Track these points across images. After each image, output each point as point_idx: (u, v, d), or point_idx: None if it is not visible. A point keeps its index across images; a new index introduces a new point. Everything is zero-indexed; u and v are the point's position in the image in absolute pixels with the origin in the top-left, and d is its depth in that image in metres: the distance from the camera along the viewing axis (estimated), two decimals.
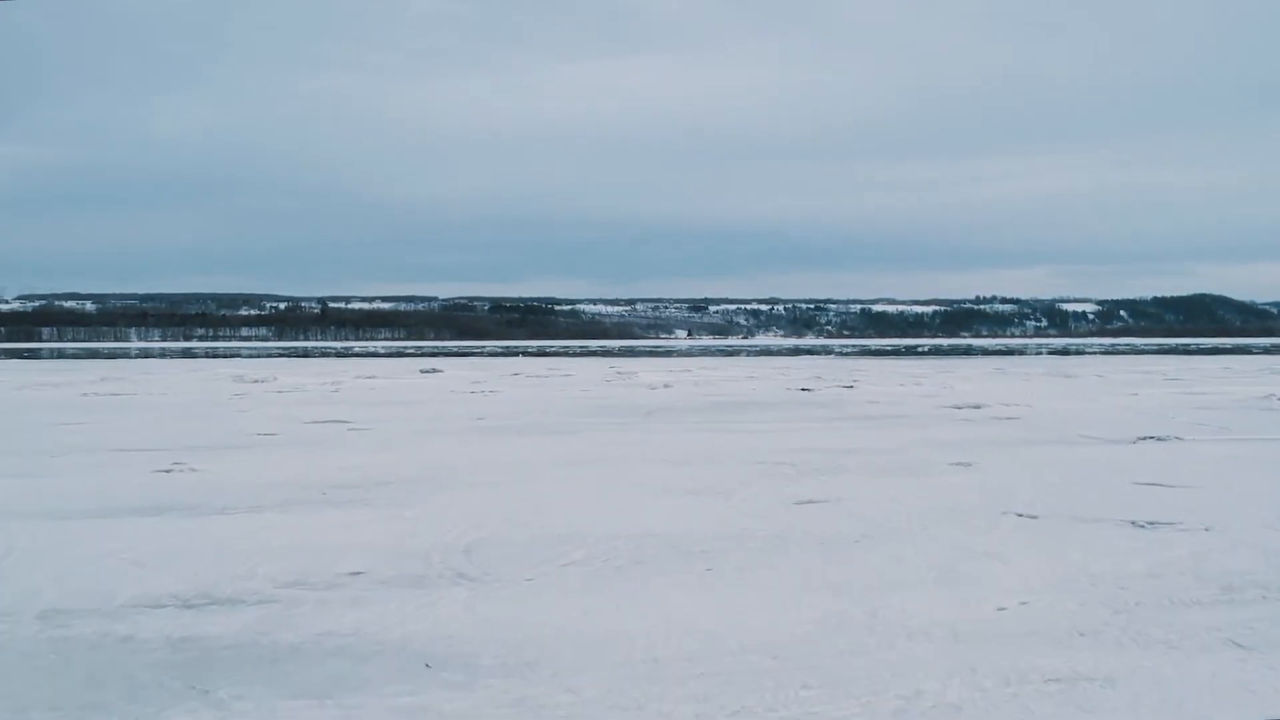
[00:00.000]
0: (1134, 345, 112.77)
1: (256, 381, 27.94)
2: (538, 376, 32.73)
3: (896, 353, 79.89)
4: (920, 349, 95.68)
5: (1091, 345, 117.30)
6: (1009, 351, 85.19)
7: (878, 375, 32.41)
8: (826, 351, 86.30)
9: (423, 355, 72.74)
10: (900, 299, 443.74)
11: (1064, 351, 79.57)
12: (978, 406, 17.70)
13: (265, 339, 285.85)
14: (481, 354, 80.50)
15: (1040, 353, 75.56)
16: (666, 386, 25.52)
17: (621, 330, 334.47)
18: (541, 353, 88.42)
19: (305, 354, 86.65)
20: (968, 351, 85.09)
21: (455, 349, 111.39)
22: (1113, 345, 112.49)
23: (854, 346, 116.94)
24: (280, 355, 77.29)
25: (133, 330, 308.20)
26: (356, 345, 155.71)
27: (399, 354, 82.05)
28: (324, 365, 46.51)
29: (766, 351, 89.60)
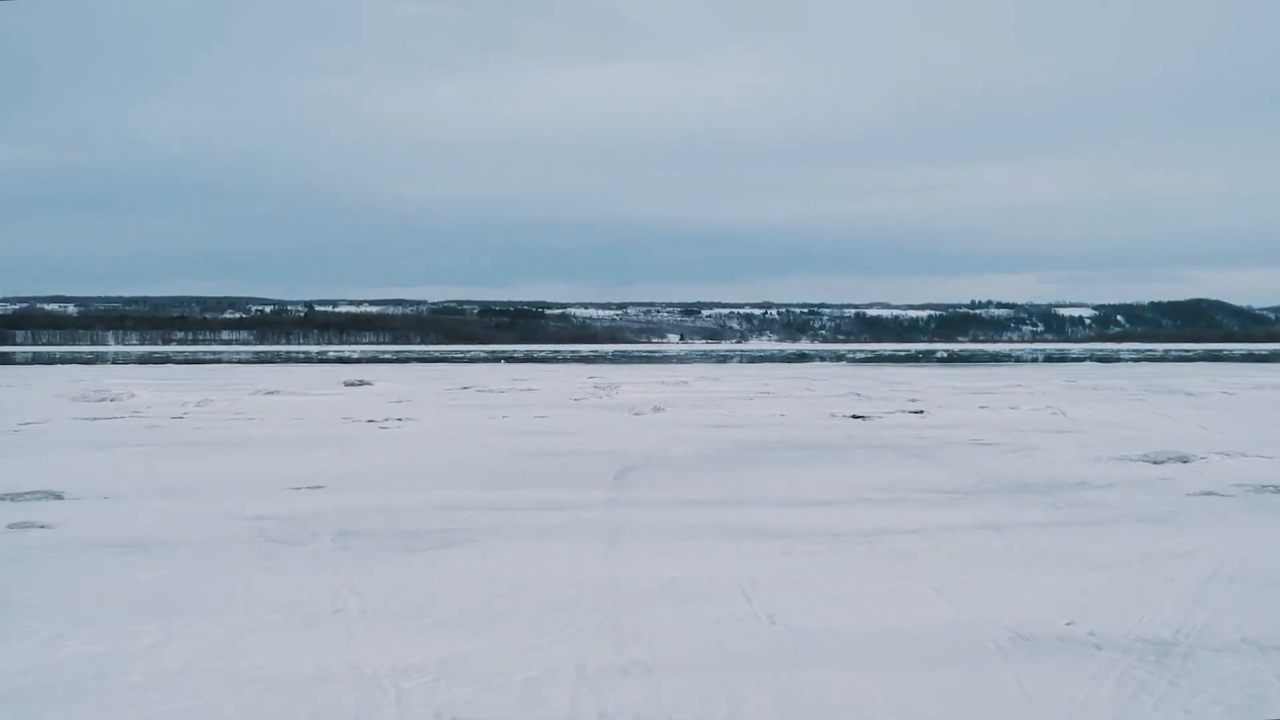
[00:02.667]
0: (1167, 351, 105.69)
1: (101, 399, 20.48)
2: (492, 392, 25.36)
3: (912, 359, 72.60)
4: (937, 354, 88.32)
5: (1124, 351, 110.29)
6: (1043, 358, 77.98)
7: (929, 390, 25.15)
8: (834, 357, 78.86)
9: (380, 363, 65.25)
10: (894, 303, 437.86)
11: (1108, 358, 72.22)
12: (1183, 460, 10.38)
13: (246, 342, 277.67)
14: (453, 359, 73.01)
15: (1085, 359, 67.34)
16: (656, 410, 18.17)
17: (612, 334, 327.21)
18: (528, 357, 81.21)
19: (241, 360, 79.05)
20: (994, 359, 77.59)
21: (425, 354, 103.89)
22: (1146, 351, 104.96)
23: (864, 352, 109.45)
24: (209, 361, 69.67)
25: (110, 334, 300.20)
26: (332, 350, 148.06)
27: (346, 360, 74.56)
28: (235, 374, 38.83)
29: (770, 357, 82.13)
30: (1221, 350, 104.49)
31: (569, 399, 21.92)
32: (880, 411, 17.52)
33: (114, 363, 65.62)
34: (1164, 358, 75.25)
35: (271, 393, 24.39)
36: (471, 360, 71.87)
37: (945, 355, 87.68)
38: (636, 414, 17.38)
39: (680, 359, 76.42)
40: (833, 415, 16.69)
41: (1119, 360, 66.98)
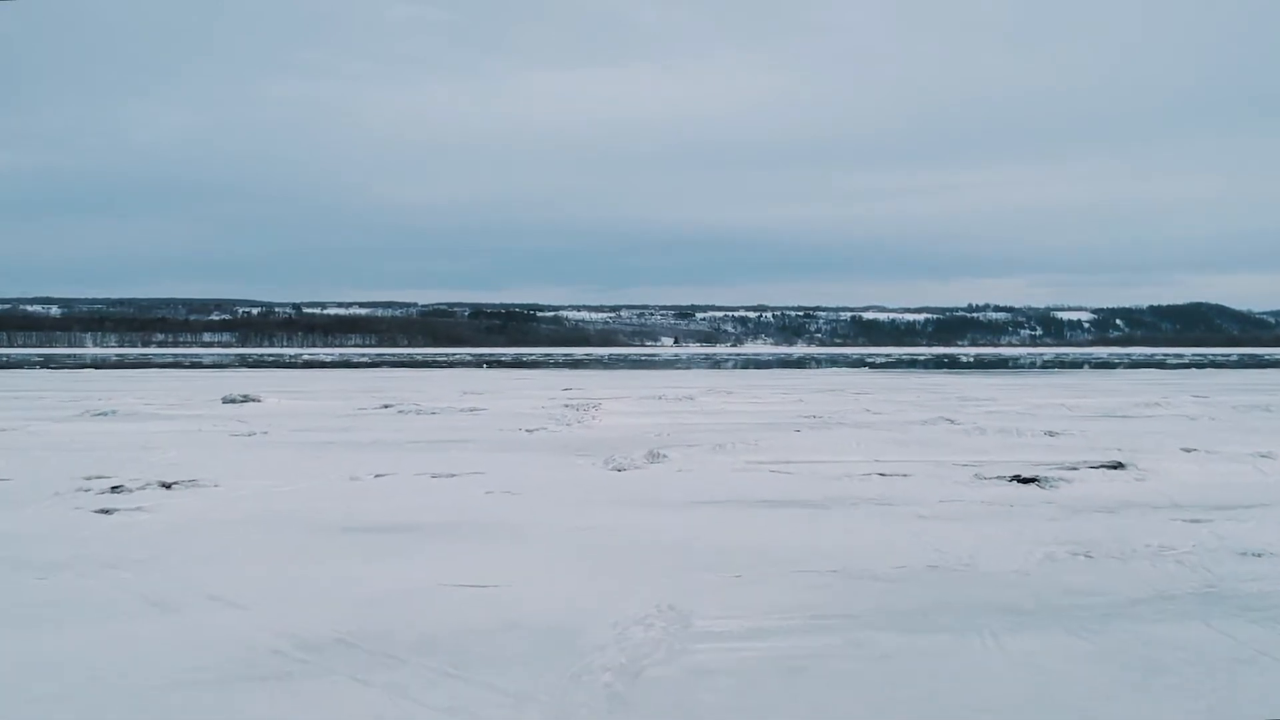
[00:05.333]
0: (1206, 355, 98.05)
1: None
2: (418, 414, 17.83)
3: (938, 364, 65.05)
4: (963, 359, 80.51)
5: (1168, 355, 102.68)
6: (1091, 363, 70.62)
7: (1042, 412, 17.72)
8: (848, 362, 71.19)
9: (320, 368, 57.43)
10: (890, 307, 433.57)
11: (1153, 364, 64.42)
12: None
13: (229, 345, 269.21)
14: (428, 364, 65.36)
15: (1121, 363, 58.63)
16: (653, 459, 10.56)
17: (605, 337, 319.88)
18: (513, 361, 73.76)
19: (154, 363, 71.40)
20: (1031, 365, 69.91)
21: (399, 359, 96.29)
22: (1195, 356, 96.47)
23: (877, 355, 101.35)
24: (114, 366, 61.87)
25: (88, 336, 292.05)
26: (306, 353, 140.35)
27: (284, 365, 66.88)
28: (95, 382, 30.80)
29: (778, 362, 74.41)
30: (1272, 355, 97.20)
31: (522, 429, 14.33)
32: (1048, 464, 10.00)
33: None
34: (1250, 363, 68.06)
35: (103, 414, 16.74)
36: (453, 364, 64.32)
37: (970, 360, 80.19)
38: (618, 469, 9.82)
39: (678, 363, 68.67)
40: (979, 477, 9.14)
41: (1177, 365, 59.45)
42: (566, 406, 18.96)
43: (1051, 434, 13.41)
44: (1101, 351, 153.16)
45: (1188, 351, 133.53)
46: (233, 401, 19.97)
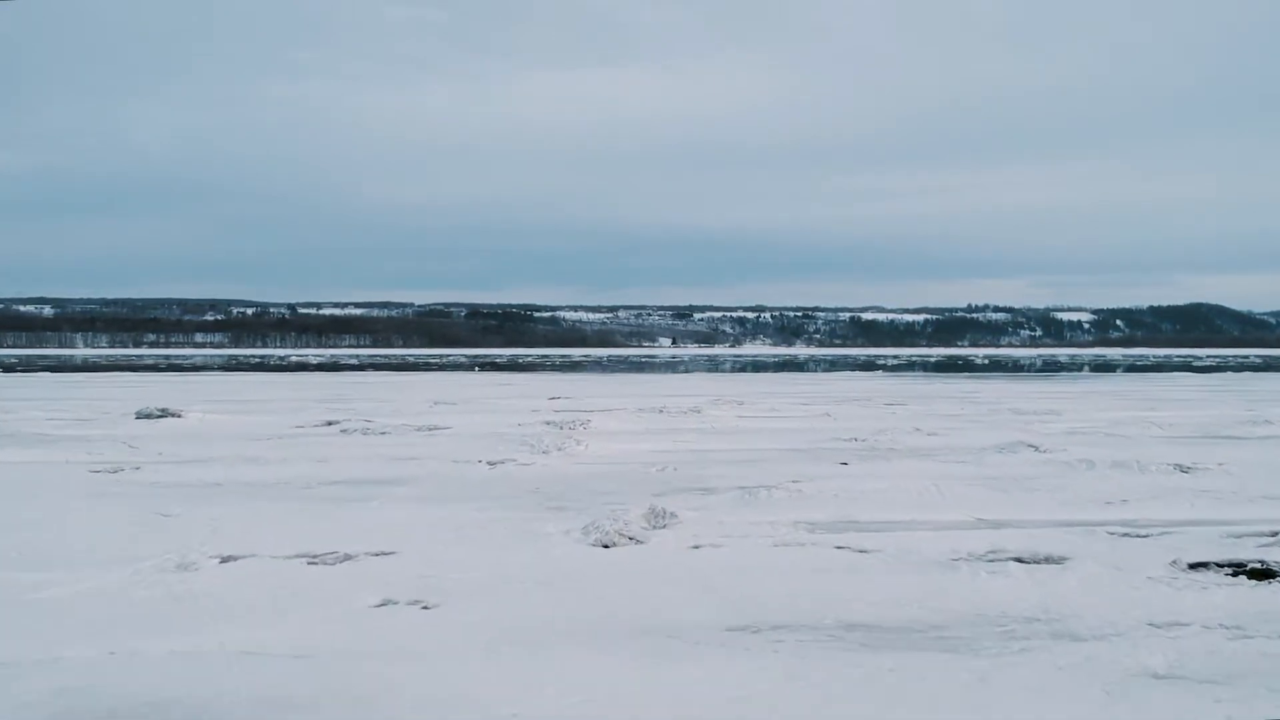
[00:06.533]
0: (1229, 358, 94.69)
1: None
2: (363, 435, 14.53)
3: (950, 367, 61.69)
4: (976, 361, 77.00)
5: (1185, 357, 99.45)
6: (1104, 366, 67.43)
7: (1149, 442, 14.42)
8: (855, 364, 67.77)
9: (281, 371, 54.01)
10: (889, 307, 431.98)
11: (1175, 366, 60.84)
12: None
13: (220, 345, 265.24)
14: (414, 366, 62.14)
15: (1144, 365, 54.34)
16: (656, 522, 7.15)
17: (602, 338, 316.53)
18: (508, 364, 70.87)
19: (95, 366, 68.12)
20: (1059, 368, 66.47)
21: (388, 360, 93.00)
22: (1213, 358, 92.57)
23: (884, 357, 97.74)
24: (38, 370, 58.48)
25: (79, 336, 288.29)
26: (295, 354, 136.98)
27: (235, 367, 63.63)
28: (21, 390, 27.15)
29: (787, 363, 70.96)
30: None
31: (483, 461, 10.94)
32: (1248, 531, 6.63)
33: None
34: None
35: None
36: (443, 367, 61.14)
37: (982, 360, 76.79)
38: (603, 544, 6.41)
39: (677, 366, 65.16)
40: (1180, 566, 5.72)
41: (1232, 369, 56.12)
42: (548, 424, 15.56)
43: (1183, 469, 10.04)
44: (1115, 352, 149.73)
45: (1201, 353, 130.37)
46: (148, 417, 16.56)
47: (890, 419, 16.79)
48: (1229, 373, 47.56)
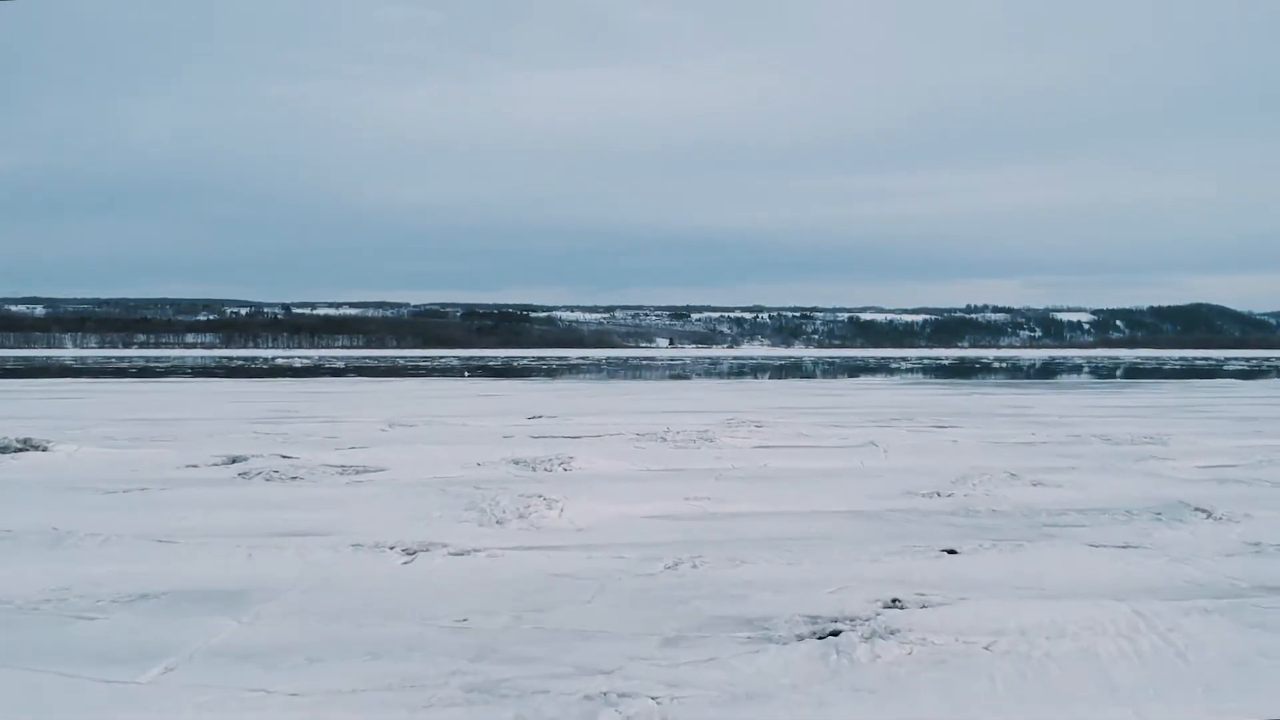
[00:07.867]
0: (1245, 360, 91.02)
1: None
2: (280, 480, 10.75)
3: (968, 371, 57.93)
4: (994, 364, 73.04)
5: (1202, 359, 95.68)
6: (1123, 371, 63.67)
7: None
8: (864, 368, 64.08)
9: (278, 376, 50.25)
10: (887, 308, 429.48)
11: (1197, 372, 57.02)
12: None
13: (212, 346, 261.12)
14: (387, 372, 58.52)
15: (1171, 370, 49.22)
16: None
17: (599, 338, 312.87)
18: (500, 369, 67.34)
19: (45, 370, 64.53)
20: (1078, 370, 62.61)
21: (377, 362, 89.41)
22: (1257, 360, 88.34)
23: (893, 358, 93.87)
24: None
25: (68, 336, 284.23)
26: (283, 355, 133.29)
27: (208, 372, 60.01)
28: None
29: (789, 369, 67.19)
30: None
31: (402, 545, 7.24)
32: None
33: None
34: None
35: None
36: (431, 372, 57.58)
37: (999, 365, 72.99)
38: None
39: (677, 369, 61.30)
40: None
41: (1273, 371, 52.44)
42: (517, 463, 11.84)
43: None
44: (1126, 354, 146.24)
45: (1216, 354, 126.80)
46: (4, 451, 12.84)
47: (958, 453, 13.09)
48: (1256, 379, 43.94)
